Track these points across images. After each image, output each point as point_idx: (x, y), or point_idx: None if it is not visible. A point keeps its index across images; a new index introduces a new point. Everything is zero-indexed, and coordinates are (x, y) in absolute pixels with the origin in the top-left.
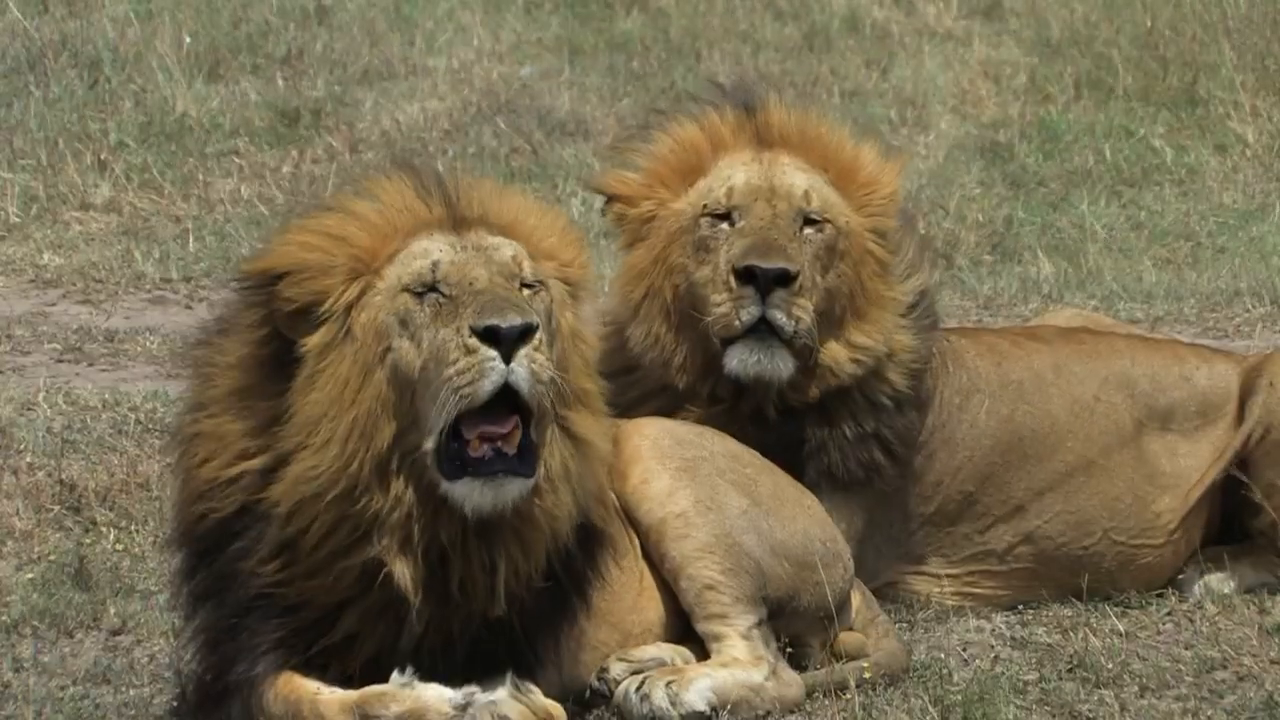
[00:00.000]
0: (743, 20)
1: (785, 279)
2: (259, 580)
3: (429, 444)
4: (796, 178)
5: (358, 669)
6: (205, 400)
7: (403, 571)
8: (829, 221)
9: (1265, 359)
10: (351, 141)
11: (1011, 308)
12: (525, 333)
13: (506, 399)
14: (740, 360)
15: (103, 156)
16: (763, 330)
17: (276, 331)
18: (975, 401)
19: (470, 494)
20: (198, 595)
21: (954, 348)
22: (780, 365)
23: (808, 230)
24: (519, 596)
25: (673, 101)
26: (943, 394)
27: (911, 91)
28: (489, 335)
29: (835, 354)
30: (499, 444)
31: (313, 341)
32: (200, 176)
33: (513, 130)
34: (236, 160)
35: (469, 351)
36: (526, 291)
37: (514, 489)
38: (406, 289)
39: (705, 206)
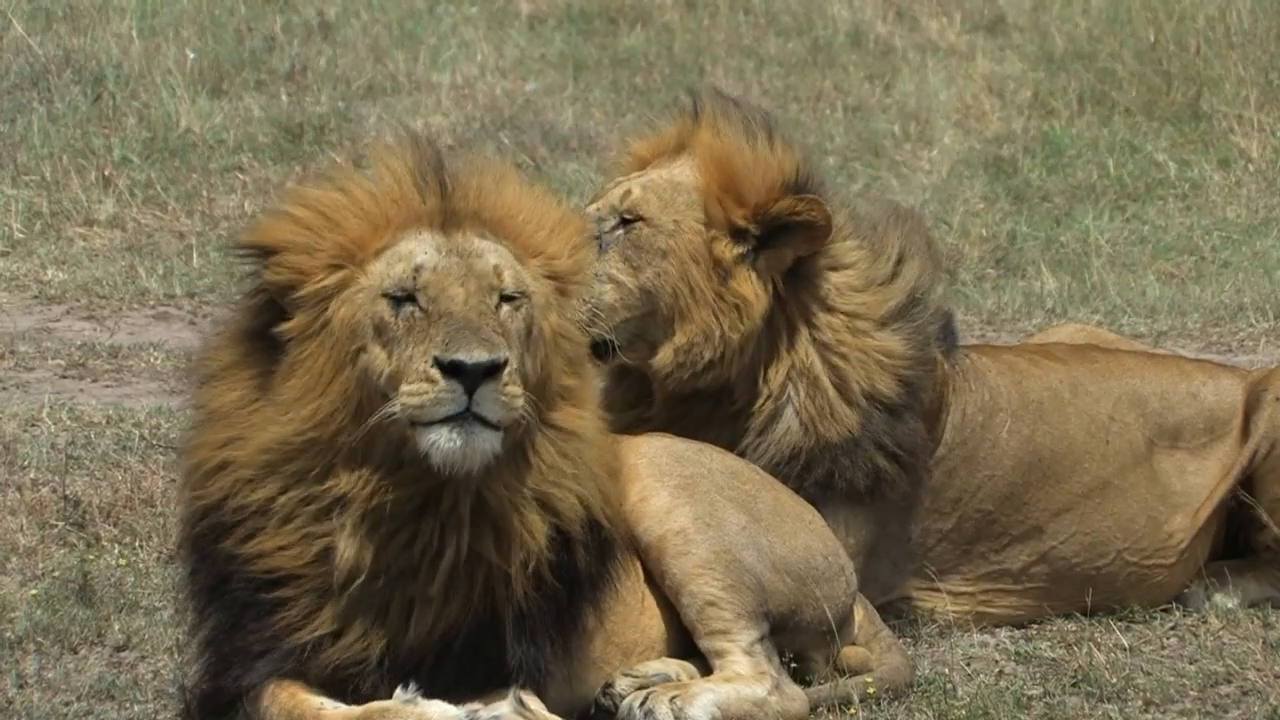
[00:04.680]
0: (746, 35)
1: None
2: (239, 562)
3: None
4: (630, 184)
5: (361, 684)
6: (207, 375)
7: (345, 550)
8: (642, 220)
9: (1269, 374)
10: (355, 157)
11: (1015, 323)
12: (492, 369)
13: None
14: None
15: (106, 172)
16: None
17: (268, 303)
18: (998, 420)
19: (438, 440)
20: (199, 597)
21: (975, 365)
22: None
23: (618, 232)
24: (515, 599)
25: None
26: (965, 411)
27: (915, 106)
28: (453, 369)
29: (664, 356)
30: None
31: (292, 325)
32: (204, 192)
33: (517, 146)
34: (240, 176)
35: (430, 380)
36: (506, 307)
37: (486, 440)
38: (386, 294)
39: None
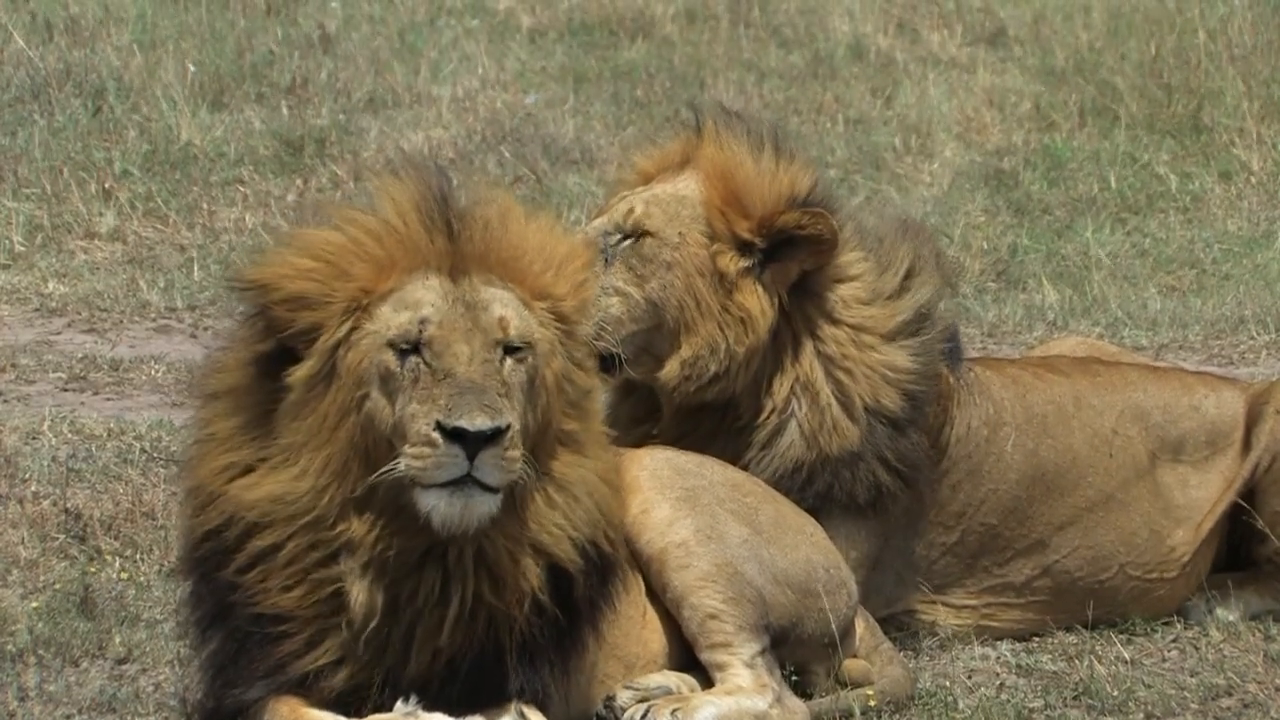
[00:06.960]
0: (747, 49)
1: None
2: (241, 593)
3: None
4: (634, 200)
5: (363, 708)
6: (210, 393)
7: (358, 595)
8: (647, 233)
9: (1270, 386)
10: (356, 170)
11: (1016, 335)
12: (494, 435)
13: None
14: None
15: (107, 185)
16: None
17: (268, 334)
18: (1002, 434)
19: (439, 504)
20: (202, 620)
21: (979, 379)
22: None
23: (624, 245)
24: (517, 628)
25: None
26: (969, 424)
27: (916, 119)
28: (456, 435)
29: (670, 369)
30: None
31: (300, 373)
32: (205, 205)
33: (517, 159)
34: (241, 189)
35: (431, 444)
36: (510, 360)
37: (484, 503)
38: (391, 344)
39: None
